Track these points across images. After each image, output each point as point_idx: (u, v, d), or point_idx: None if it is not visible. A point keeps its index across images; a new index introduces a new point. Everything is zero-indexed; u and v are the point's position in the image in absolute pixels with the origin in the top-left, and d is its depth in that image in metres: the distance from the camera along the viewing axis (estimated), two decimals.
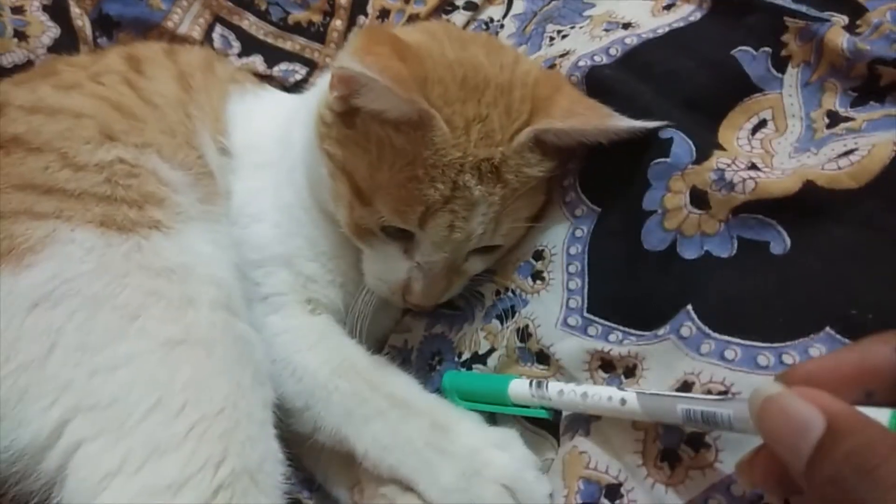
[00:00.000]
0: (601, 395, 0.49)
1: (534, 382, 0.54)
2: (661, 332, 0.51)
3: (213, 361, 0.52)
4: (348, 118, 0.59)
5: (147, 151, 0.61)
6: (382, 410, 0.57)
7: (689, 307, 0.50)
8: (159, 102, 0.67)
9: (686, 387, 0.48)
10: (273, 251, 0.67)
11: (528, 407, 0.55)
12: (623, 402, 0.47)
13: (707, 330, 0.49)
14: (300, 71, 0.90)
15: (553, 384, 0.53)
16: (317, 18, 0.89)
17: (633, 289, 0.55)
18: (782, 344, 0.46)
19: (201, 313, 0.53)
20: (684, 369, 0.49)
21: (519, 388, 0.55)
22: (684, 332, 0.49)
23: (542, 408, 0.55)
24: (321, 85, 0.70)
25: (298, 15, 0.90)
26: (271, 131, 0.73)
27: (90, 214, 0.55)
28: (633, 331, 0.53)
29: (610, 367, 0.53)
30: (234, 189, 0.70)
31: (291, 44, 0.91)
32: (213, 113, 0.72)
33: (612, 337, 0.54)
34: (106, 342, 0.50)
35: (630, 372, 0.52)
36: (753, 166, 0.52)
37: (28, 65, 0.87)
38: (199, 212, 0.61)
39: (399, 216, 0.58)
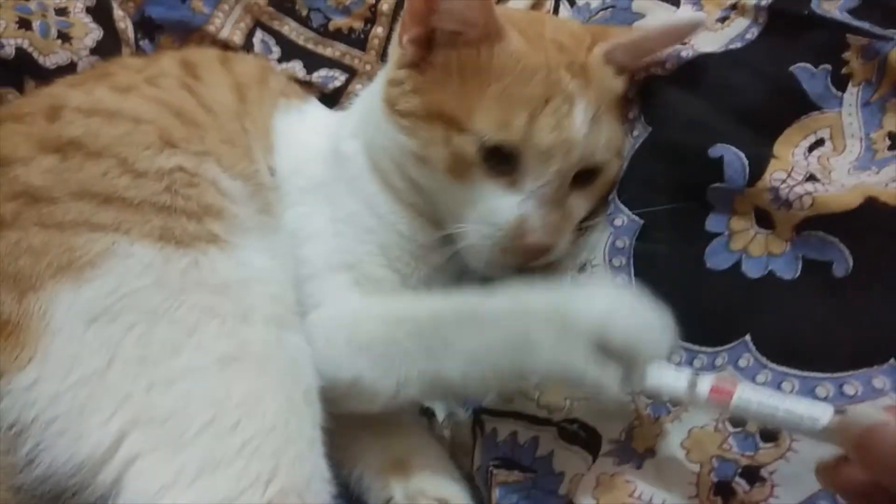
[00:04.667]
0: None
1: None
2: (718, 361, 0.50)
3: (266, 378, 0.52)
4: (421, 65, 0.61)
5: (207, 160, 0.61)
6: (458, 325, 0.54)
7: (748, 337, 0.49)
8: (217, 110, 0.67)
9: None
10: (332, 260, 0.64)
11: None
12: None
13: (764, 360, 0.48)
14: (339, 77, 0.90)
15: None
16: (358, 25, 0.89)
17: (687, 305, 0.54)
18: (843, 374, 0.45)
19: (255, 330, 0.54)
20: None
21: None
22: (742, 363, 0.49)
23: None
24: (369, 90, 0.72)
25: (339, 21, 0.90)
26: (315, 152, 0.71)
27: (149, 227, 0.55)
28: (681, 342, 0.52)
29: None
30: (285, 217, 0.68)
31: (332, 50, 0.90)
32: (265, 130, 0.71)
33: None
34: (163, 356, 0.50)
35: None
36: (812, 177, 0.51)
37: (71, 66, 0.87)
38: (256, 223, 0.61)
39: (504, 128, 0.57)
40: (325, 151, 0.71)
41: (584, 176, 0.61)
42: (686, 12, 0.67)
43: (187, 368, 0.50)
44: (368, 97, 0.71)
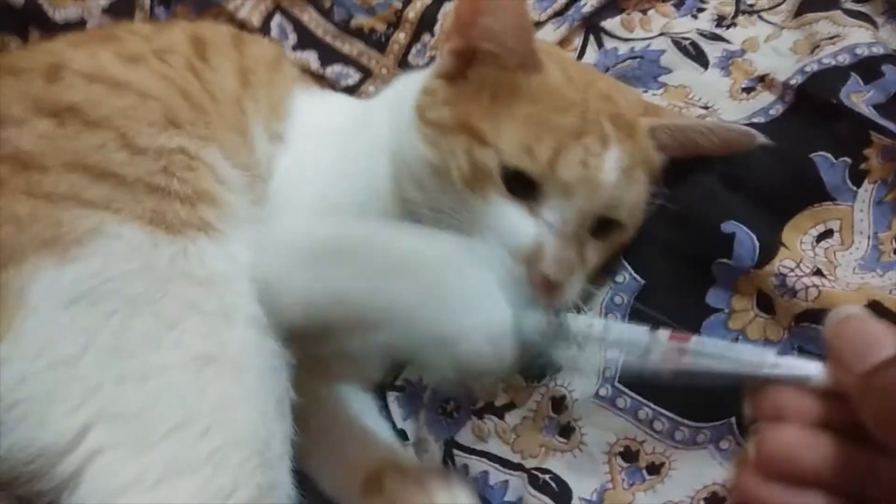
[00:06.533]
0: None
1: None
2: (700, 437, 0.50)
3: (242, 385, 0.50)
4: (457, 79, 0.60)
5: (210, 145, 0.59)
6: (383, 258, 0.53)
7: (733, 420, 0.49)
8: (220, 98, 0.65)
9: (715, 500, 0.48)
10: (315, 204, 0.64)
11: None
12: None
13: None
14: (353, 76, 0.88)
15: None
16: (380, 27, 0.87)
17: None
18: None
19: (236, 331, 0.52)
20: (713, 477, 0.49)
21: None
22: (723, 444, 0.50)
23: None
24: (395, 94, 0.69)
25: (362, 20, 0.87)
26: (334, 125, 0.70)
27: (140, 209, 0.53)
28: (663, 410, 0.53)
29: (632, 458, 0.53)
30: (278, 166, 0.66)
31: (349, 47, 0.88)
32: (272, 104, 0.69)
33: (641, 413, 0.54)
34: (139, 349, 0.48)
35: (655, 469, 0.52)
36: (818, 272, 0.52)
37: (80, 23, 0.84)
38: (249, 215, 0.59)
39: (527, 154, 0.54)
40: (342, 129, 0.69)
41: (602, 227, 0.58)
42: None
43: (163, 365, 0.49)
44: (396, 100, 0.67)
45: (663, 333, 0.43)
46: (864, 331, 0.38)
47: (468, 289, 0.49)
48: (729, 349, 0.41)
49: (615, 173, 0.56)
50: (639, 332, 0.44)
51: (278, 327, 0.55)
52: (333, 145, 0.67)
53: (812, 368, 0.39)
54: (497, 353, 0.46)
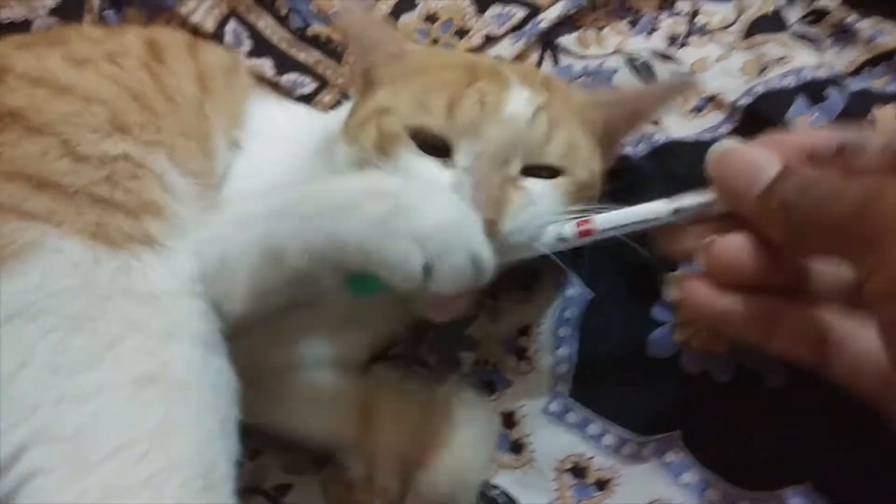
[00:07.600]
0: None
1: None
2: (644, 452, 0.51)
3: (184, 406, 0.49)
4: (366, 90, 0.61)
5: (157, 151, 0.57)
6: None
7: (679, 433, 0.50)
8: (180, 101, 0.63)
9: None
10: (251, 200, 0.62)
11: None
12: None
13: (691, 461, 0.49)
14: (309, 85, 0.87)
15: None
16: (337, 36, 0.86)
17: (624, 387, 0.55)
18: (761, 493, 0.47)
19: (180, 350, 0.51)
20: (658, 493, 0.50)
21: None
22: (668, 458, 0.50)
23: None
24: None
25: (318, 28, 0.87)
26: (290, 133, 0.70)
27: (82, 222, 0.51)
28: (612, 425, 0.54)
29: (581, 474, 0.54)
30: (232, 167, 0.66)
31: (305, 55, 0.87)
32: (231, 110, 0.68)
33: (590, 429, 0.55)
34: (78, 368, 0.47)
35: (602, 484, 0.52)
36: None
37: (25, 24, 0.82)
38: (198, 225, 0.58)
39: (423, 110, 0.54)
40: (297, 137, 0.68)
41: (539, 172, 0.54)
42: None
43: (102, 385, 0.47)
44: (337, 118, 0.66)
45: (571, 228, 0.50)
46: (746, 159, 0.40)
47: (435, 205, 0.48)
48: (631, 215, 0.47)
49: (524, 109, 0.53)
50: (551, 234, 0.51)
51: (225, 325, 0.54)
52: (286, 158, 0.66)
53: (708, 196, 0.43)
54: (477, 267, 0.46)
